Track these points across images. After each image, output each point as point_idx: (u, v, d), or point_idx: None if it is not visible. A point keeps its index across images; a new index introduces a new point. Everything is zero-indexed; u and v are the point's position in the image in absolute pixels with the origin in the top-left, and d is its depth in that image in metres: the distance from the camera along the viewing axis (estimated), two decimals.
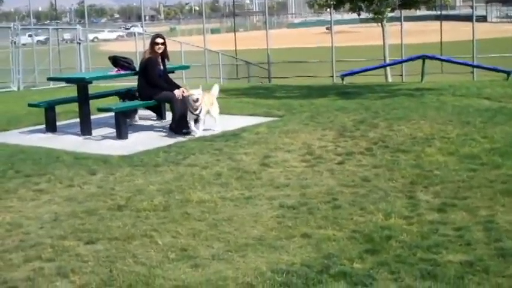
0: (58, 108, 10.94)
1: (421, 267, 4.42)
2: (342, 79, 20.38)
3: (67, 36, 42.81)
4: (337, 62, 25.23)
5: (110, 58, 11.10)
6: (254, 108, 12.25)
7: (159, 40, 10.27)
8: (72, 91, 11.45)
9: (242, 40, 30.32)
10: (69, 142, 9.64)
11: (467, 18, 29.70)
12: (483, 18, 55.62)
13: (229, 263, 4.68)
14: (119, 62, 10.85)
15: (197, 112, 9.62)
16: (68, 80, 12.28)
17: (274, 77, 25.28)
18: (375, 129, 9.44)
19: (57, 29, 31.09)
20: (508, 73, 17.59)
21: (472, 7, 26.13)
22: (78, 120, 10.41)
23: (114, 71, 10.82)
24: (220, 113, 10.24)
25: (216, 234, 5.30)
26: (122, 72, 10.81)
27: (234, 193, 6.48)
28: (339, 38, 28.30)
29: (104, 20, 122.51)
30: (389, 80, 21.10)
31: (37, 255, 4.97)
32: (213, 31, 59.95)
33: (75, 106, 10.60)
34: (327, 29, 42.12)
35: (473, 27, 23.38)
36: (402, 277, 4.28)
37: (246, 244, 5.03)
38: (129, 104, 10.82)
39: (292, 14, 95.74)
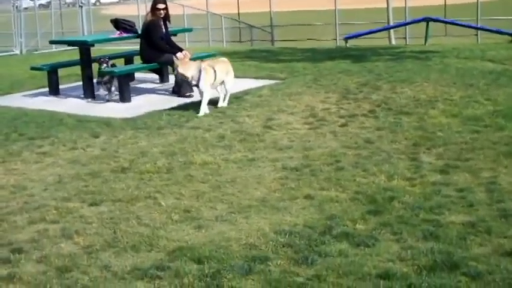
0: (61, 72, 10.92)
1: (423, 228, 4.44)
2: (346, 42, 20.23)
3: (69, 0, 42.48)
4: (340, 25, 24.99)
5: (111, 21, 11.03)
6: (257, 71, 12.20)
7: (161, 6, 10.18)
8: (74, 54, 11.41)
9: (245, 3, 30.04)
10: (72, 105, 9.64)
11: None
12: None
13: (233, 224, 4.71)
14: (120, 24, 10.77)
15: (194, 83, 8.77)
16: (70, 43, 12.27)
17: (277, 40, 25.08)
18: (378, 92, 9.41)
19: None
20: None
21: None
22: (80, 83, 10.39)
23: (116, 33, 10.76)
24: None
25: (219, 195, 5.32)
26: (124, 35, 10.74)
27: (237, 155, 6.50)
28: (342, 0, 28.03)
29: None
30: (393, 42, 20.96)
31: (41, 217, 5.00)
32: None
33: (77, 69, 10.58)
34: None
35: None
36: (404, 238, 4.31)
37: (249, 206, 5.06)
38: (131, 67, 10.80)
39: None
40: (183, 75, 8.80)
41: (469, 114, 7.79)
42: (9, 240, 4.59)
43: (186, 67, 8.81)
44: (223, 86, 9.05)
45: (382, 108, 8.37)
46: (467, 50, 14.56)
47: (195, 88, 9.09)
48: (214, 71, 8.79)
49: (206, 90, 8.70)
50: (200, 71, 8.65)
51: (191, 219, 4.81)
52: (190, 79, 8.76)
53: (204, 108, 8.60)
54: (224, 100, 9.05)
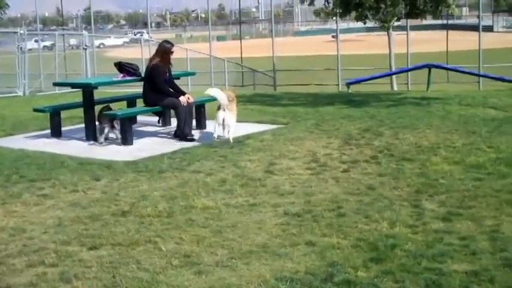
0: (63, 114, 10.96)
1: (426, 276, 4.39)
2: (348, 87, 20.38)
3: (73, 42, 42.91)
4: (343, 70, 25.21)
5: (115, 64, 11.12)
6: (259, 115, 12.24)
7: (174, 49, 10.42)
8: (77, 96, 11.46)
9: (248, 48, 30.36)
10: (73, 147, 9.65)
11: (474, 27, 29.63)
12: (489, 28, 55.56)
13: (233, 270, 4.66)
14: (124, 67, 10.85)
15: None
16: (74, 85, 12.31)
17: (279, 85, 25.26)
18: (380, 138, 9.42)
19: (63, 34, 31.13)
20: None
21: (478, 17, 26.09)
22: (83, 125, 10.41)
23: (119, 76, 10.83)
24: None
25: (219, 241, 5.28)
26: (128, 78, 10.81)
27: (239, 200, 6.47)
28: (345, 46, 28.27)
29: (110, 26, 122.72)
30: (395, 88, 21.09)
31: (40, 260, 4.95)
32: (219, 38, 60.07)
33: (80, 111, 10.61)
34: (333, 37, 42.13)
35: (479, 37, 23.35)
36: (407, 286, 4.25)
37: (250, 251, 5.01)
38: (134, 109, 10.85)
39: (298, 22, 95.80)
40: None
41: (472, 161, 7.77)
42: (8, 284, 4.54)
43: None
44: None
45: (384, 154, 8.37)
46: (469, 96, 14.64)
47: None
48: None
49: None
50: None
51: (191, 265, 4.77)
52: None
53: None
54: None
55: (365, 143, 9.09)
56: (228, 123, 9.39)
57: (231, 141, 9.32)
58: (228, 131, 9.42)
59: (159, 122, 11.34)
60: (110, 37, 63.01)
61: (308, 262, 4.75)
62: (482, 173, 7.19)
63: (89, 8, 36.38)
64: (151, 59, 10.58)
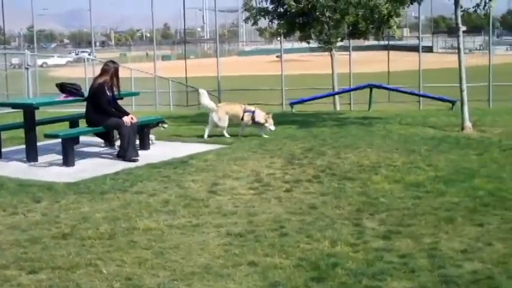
0: (3, 134, 10.75)
1: None
2: (291, 107, 20.55)
3: (15, 61, 42.18)
4: (286, 90, 25.43)
5: (57, 85, 10.97)
6: (203, 135, 12.22)
7: (119, 70, 10.38)
8: (18, 117, 11.28)
9: (193, 67, 30.35)
10: (14, 169, 9.47)
11: (414, 48, 30.28)
12: (429, 49, 56.83)
13: None
14: (66, 88, 10.72)
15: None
16: (15, 106, 12.08)
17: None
18: (323, 157, 9.53)
19: (5, 53, 30.59)
20: (452, 102, 17.97)
21: (418, 38, 26.69)
22: (24, 146, 10.24)
23: (61, 96, 10.69)
24: (170, 139, 10.20)
25: (162, 262, 5.25)
26: (70, 98, 10.68)
27: (181, 221, 6.45)
28: (289, 66, 28.51)
29: (53, 45, 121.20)
30: (338, 108, 21.36)
31: None
32: (164, 58, 59.90)
33: (21, 132, 10.43)
34: (277, 57, 42.43)
35: (419, 58, 23.89)
36: None
37: (192, 272, 5.00)
38: (76, 130, 10.72)
39: (243, 41, 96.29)
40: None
41: (411, 180, 7.93)
42: None
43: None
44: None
45: (326, 173, 8.46)
46: (409, 116, 14.95)
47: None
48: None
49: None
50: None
51: (133, 287, 4.73)
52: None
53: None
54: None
55: (308, 163, 9.18)
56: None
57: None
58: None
59: (105, 144, 11.19)
60: (53, 56, 62.22)
61: (250, 282, 4.76)
62: (421, 191, 7.34)
63: (32, 27, 35.91)
64: (95, 79, 10.49)
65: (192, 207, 6.94)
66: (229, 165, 9.14)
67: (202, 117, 16.23)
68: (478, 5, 12.87)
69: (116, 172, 8.91)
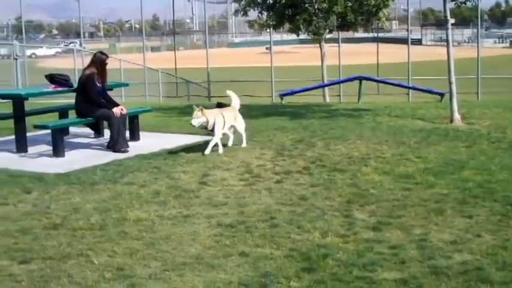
0: None
1: (356, 285, 4.49)
2: (281, 99, 20.57)
3: (3, 51, 42.03)
4: (276, 82, 25.44)
5: (46, 76, 10.94)
6: (193, 127, 12.20)
7: (108, 61, 10.34)
8: (7, 107, 11.23)
9: (182, 59, 30.30)
10: (3, 159, 9.44)
11: (403, 41, 30.40)
12: (418, 41, 57.01)
13: (166, 282, 4.66)
14: (55, 79, 10.70)
15: (210, 128, 9.52)
16: (4, 96, 12.03)
17: (214, 96, 25.28)
18: (313, 149, 9.55)
19: None
20: (441, 95, 18.06)
21: (407, 30, 26.76)
22: (13, 137, 10.20)
23: (51, 87, 10.66)
24: (160, 131, 10.19)
25: (153, 253, 5.26)
26: (59, 88, 10.65)
27: (172, 211, 6.46)
28: (278, 58, 28.54)
29: (42, 35, 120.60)
30: (328, 100, 21.41)
31: None
32: (153, 49, 59.77)
33: (10, 123, 10.39)
34: (267, 48, 42.46)
35: (408, 50, 23.93)
36: None
37: (183, 263, 5.02)
38: (66, 121, 10.70)
39: (232, 33, 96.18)
40: (208, 122, 9.40)
41: (401, 171, 7.97)
42: None
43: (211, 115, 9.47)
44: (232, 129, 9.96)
45: (316, 165, 8.49)
46: (398, 108, 14.99)
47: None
48: (223, 117, 9.64)
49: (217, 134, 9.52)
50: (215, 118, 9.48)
51: (124, 278, 4.74)
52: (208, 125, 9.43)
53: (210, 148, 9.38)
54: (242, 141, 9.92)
55: (298, 154, 9.20)
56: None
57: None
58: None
59: (95, 135, 11.17)
60: (42, 47, 61.95)
61: (241, 273, 4.78)
62: (411, 183, 7.38)
63: (20, 18, 35.70)
64: (84, 70, 10.46)
65: (182, 198, 6.95)
66: (219, 156, 9.15)
67: (192, 109, 16.25)
68: None
69: (106, 163, 8.90)
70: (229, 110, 9.97)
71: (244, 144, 9.91)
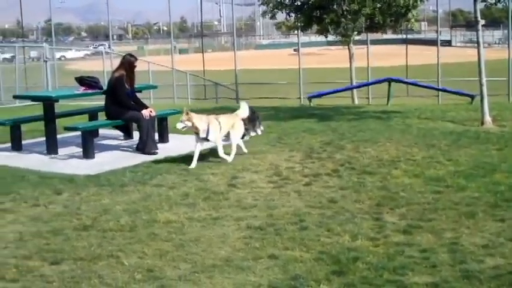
0: (24, 127, 10.84)
1: None
2: (310, 101, 20.50)
3: (34, 54, 42.49)
4: (304, 84, 25.37)
5: (76, 79, 11.04)
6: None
7: (137, 63, 10.41)
8: (38, 109, 11.35)
9: (210, 61, 30.37)
10: (34, 161, 9.54)
11: (433, 42, 30.13)
12: (448, 43, 56.54)
13: (196, 284, 4.66)
14: (85, 81, 10.79)
15: (203, 136, 8.92)
16: (34, 98, 12.17)
17: (242, 98, 25.32)
18: (342, 151, 9.51)
19: (23, 46, 30.79)
20: (472, 97, 17.84)
21: (437, 31, 26.52)
22: (44, 139, 10.31)
23: (80, 89, 10.76)
24: (188, 133, 10.15)
25: (182, 255, 5.28)
26: (89, 91, 10.75)
27: (201, 214, 6.47)
28: (306, 59, 28.49)
29: (71, 38, 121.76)
30: (356, 102, 21.28)
31: (1, 275, 4.90)
32: (181, 51, 60.00)
33: (41, 125, 10.50)
34: (295, 50, 42.39)
35: (438, 51, 23.71)
36: None
37: (213, 265, 5.02)
38: (96, 123, 10.78)
39: (260, 35, 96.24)
40: (196, 128, 8.89)
41: (431, 174, 7.90)
42: None
43: (198, 120, 8.93)
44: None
45: (345, 167, 8.45)
46: (428, 110, 14.86)
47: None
48: (219, 123, 9.06)
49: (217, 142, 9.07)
50: (208, 124, 8.93)
51: (154, 279, 4.76)
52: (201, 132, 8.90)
53: (223, 155, 9.01)
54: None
55: (327, 157, 9.17)
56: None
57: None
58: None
59: (125, 137, 11.23)
60: (71, 49, 62.52)
61: (271, 275, 4.77)
62: (441, 186, 7.31)
63: (50, 20, 36.07)
64: (114, 72, 10.54)
65: (211, 200, 6.96)
66: (248, 158, 9.15)
67: (221, 111, 16.28)
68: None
69: (135, 165, 8.96)
70: (228, 117, 9.39)
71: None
